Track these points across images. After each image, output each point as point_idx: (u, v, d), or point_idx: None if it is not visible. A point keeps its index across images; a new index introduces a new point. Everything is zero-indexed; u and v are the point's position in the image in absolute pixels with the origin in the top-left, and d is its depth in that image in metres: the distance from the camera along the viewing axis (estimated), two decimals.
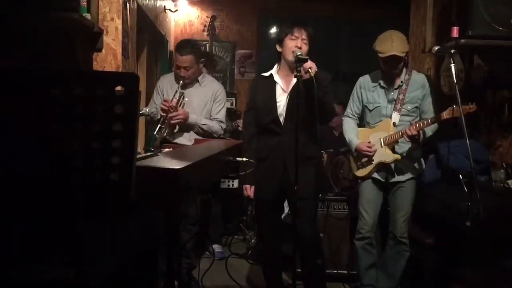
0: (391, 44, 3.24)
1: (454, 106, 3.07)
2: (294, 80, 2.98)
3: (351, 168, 3.62)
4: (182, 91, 3.57)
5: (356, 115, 3.56)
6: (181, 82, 3.57)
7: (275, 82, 3.10)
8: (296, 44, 2.95)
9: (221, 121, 3.75)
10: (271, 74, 3.13)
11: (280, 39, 3.06)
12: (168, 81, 3.76)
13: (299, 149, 2.85)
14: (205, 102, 3.68)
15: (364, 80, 3.55)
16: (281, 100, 3.06)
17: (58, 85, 1.03)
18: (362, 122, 3.61)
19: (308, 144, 3.02)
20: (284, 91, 3.07)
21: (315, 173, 3.08)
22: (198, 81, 3.70)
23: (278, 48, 3.08)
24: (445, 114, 3.15)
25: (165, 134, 3.52)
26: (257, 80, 3.27)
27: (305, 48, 2.96)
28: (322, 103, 2.84)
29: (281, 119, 3.03)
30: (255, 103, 3.15)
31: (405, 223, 3.43)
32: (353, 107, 3.55)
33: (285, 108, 3.03)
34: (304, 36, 2.97)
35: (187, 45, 3.65)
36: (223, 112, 3.78)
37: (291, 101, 2.98)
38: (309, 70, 2.75)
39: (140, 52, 4.59)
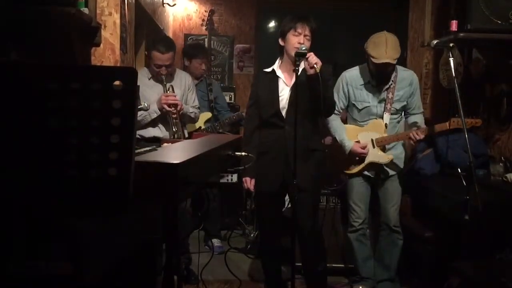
0: (385, 50, 3.19)
1: (462, 116, 3.10)
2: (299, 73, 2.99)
3: (339, 164, 3.60)
4: (169, 84, 3.49)
5: (341, 111, 3.55)
6: (163, 78, 3.45)
7: (277, 77, 3.09)
8: (299, 40, 2.94)
9: (198, 107, 3.80)
10: (273, 69, 3.12)
11: (283, 33, 3.03)
12: (141, 80, 3.52)
13: (302, 142, 2.88)
14: (183, 93, 3.65)
15: (351, 76, 3.49)
16: (284, 94, 3.06)
17: (55, 80, 1.03)
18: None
19: (310, 136, 3.04)
20: (287, 85, 3.07)
21: (317, 166, 3.09)
22: (171, 74, 3.65)
23: (281, 42, 3.06)
24: (449, 125, 3.21)
25: (181, 128, 3.45)
26: (259, 75, 3.26)
27: (307, 44, 2.95)
28: (325, 98, 2.86)
29: (284, 112, 3.03)
30: (258, 97, 3.15)
31: (396, 212, 3.49)
32: (338, 103, 3.45)
33: (287, 102, 3.03)
34: (307, 32, 2.96)
35: (165, 42, 3.55)
36: (197, 98, 3.82)
37: (293, 94, 2.98)
38: (315, 65, 2.76)
39: (138, 47, 4.57)
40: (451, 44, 2.98)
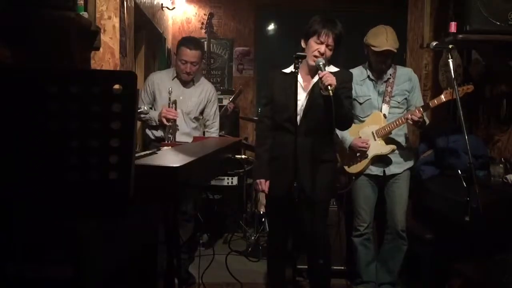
0: (386, 38, 3.27)
1: (449, 89, 3.11)
2: (314, 79, 2.95)
3: (341, 164, 3.61)
4: (174, 99, 3.53)
5: None
6: (186, 76, 3.58)
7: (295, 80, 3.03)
8: (319, 49, 2.87)
9: (216, 122, 3.86)
10: (291, 71, 2.99)
11: (306, 35, 2.94)
12: (163, 79, 3.67)
13: (313, 152, 2.89)
14: (200, 102, 3.71)
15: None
16: (300, 99, 2.94)
17: (55, 84, 1.03)
18: None
19: (322, 147, 2.98)
20: (304, 90, 2.99)
21: (328, 176, 3.03)
22: (193, 80, 3.70)
23: (303, 44, 2.98)
24: (443, 97, 3.19)
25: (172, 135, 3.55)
26: (275, 75, 3.11)
27: (328, 54, 2.89)
28: (340, 116, 2.78)
29: (298, 118, 2.92)
30: (273, 99, 3.07)
31: (404, 216, 3.48)
32: None
33: (303, 108, 2.94)
34: (330, 41, 2.88)
35: (194, 41, 3.70)
36: (218, 112, 3.88)
37: (309, 101, 2.94)
38: (329, 87, 2.66)
39: (138, 50, 4.58)
40: (450, 46, 2.98)
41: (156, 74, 3.82)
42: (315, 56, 2.87)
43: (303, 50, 2.98)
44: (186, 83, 3.66)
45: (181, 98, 3.61)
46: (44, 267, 1.02)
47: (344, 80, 2.95)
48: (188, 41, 3.63)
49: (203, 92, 3.72)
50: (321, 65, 2.75)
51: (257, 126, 3.31)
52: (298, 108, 2.94)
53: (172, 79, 3.65)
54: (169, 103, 3.49)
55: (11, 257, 1.02)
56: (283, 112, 3.00)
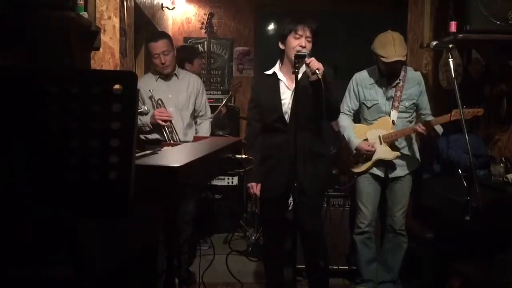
0: (394, 48, 3.22)
1: (461, 108, 3.03)
2: (299, 77, 2.96)
3: (346, 163, 3.62)
4: (159, 97, 3.53)
5: (352, 112, 3.56)
6: (164, 69, 3.56)
7: (278, 80, 3.04)
8: (300, 43, 2.87)
9: (208, 112, 3.87)
10: (274, 72, 3.06)
11: (282, 36, 2.96)
12: (147, 82, 3.63)
13: (306, 147, 2.88)
14: (190, 95, 3.69)
15: (360, 77, 3.53)
16: (286, 97, 2.99)
17: (55, 84, 1.03)
18: (357, 117, 3.63)
19: (315, 141, 2.99)
20: (288, 89, 3.01)
21: (322, 170, 3.05)
22: (175, 74, 3.69)
23: (281, 46, 2.99)
24: (451, 116, 3.16)
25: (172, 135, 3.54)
26: (260, 78, 3.19)
27: (309, 46, 2.89)
28: (329, 103, 2.79)
29: (286, 117, 2.97)
30: (260, 101, 3.09)
31: (403, 216, 3.48)
32: (350, 104, 3.52)
33: (290, 106, 2.97)
34: (308, 34, 2.89)
35: (157, 33, 3.80)
36: (207, 101, 3.89)
37: (295, 98, 2.96)
38: (317, 71, 2.68)
39: (138, 51, 4.58)
40: (450, 45, 2.98)
41: (142, 80, 3.76)
42: (298, 51, 2.86)
43: (282, 52, 3.01)
44: (169, 77, 3.63)
45: (170, 96, 3.59)
46: (44, 267, 1.02)
47: (328, 75, 2.94)
48: (152, 37, 3.71)
49: (190, 84, 3.71)
50: (305, 54, 2.77)
51: (247, 130, 3.32)
52: (285, 106, 2.98)
53: (156, 80, 3.63)
54: (153, 104, 3.48)
55: (12, 258, 1.02)
56: (272, 113, 3.02)
